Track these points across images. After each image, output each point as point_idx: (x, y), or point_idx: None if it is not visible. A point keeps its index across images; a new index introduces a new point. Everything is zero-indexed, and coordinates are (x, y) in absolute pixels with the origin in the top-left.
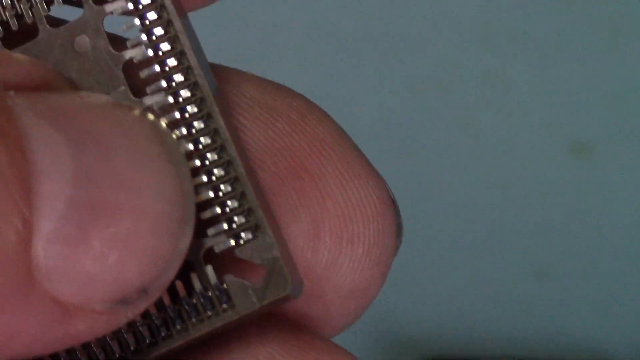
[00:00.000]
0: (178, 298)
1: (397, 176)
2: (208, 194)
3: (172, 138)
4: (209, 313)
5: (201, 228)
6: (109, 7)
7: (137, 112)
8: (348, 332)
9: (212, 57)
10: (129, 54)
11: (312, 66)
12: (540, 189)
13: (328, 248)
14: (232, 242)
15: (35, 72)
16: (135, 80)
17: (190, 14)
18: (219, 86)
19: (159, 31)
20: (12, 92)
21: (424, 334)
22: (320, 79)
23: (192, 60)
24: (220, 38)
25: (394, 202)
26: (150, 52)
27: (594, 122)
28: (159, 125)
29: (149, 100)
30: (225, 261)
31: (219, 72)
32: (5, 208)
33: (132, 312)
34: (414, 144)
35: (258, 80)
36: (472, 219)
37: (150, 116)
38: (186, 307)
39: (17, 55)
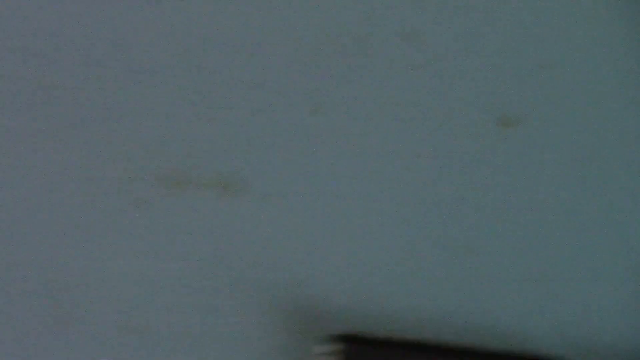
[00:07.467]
0: None
1: (300, 153)
2: None
3: None
4: None
5: None
6: None
7: None
8: (254, 305)
9: None
10: None
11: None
12: (464, 161)
13: None
14: None
15: None
16: None
17: None
18: None
19: None
20: None
21: (336, 308)
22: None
23: None
24: None
25: None
26: None
27: (521, 94)
28: None
29: None
30: None
31: None
32: None
33: None
34: (327, 105)
35: None
36: (395, 191)
37: None
38: None
39: None
